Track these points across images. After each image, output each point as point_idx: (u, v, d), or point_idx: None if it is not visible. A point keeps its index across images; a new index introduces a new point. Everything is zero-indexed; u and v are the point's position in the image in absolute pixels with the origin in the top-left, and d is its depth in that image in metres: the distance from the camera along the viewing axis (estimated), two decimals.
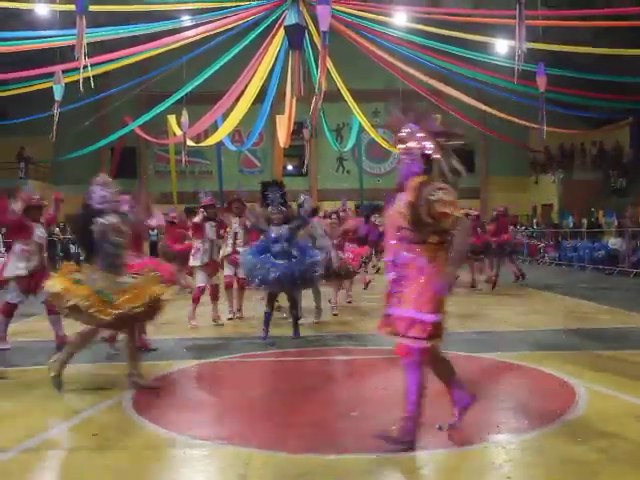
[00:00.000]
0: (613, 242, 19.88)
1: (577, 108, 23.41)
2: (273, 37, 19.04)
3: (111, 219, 6.08)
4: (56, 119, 14.00)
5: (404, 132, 4.67)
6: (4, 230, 13.90)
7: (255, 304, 11.82)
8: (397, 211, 4.57)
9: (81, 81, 11.35)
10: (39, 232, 8.51)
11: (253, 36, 19.53)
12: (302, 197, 9.82)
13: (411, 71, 21.05)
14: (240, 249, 10.27)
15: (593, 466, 4.09)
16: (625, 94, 21.06)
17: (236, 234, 10.47)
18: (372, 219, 14.01)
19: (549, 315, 10.88)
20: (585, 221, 25.12)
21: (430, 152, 4.70)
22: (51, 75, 15.31)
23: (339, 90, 21.92)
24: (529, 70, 15.16)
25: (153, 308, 6.03)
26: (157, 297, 6.00)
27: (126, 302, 5.79)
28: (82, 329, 6.12)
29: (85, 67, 11.27)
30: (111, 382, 6.51)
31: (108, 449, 4.58)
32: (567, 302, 12.67)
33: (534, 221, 31.53)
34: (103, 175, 6.42)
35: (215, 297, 10.31)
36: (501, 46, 20.53)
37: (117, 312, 5.74)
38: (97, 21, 16.90)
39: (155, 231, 30.04)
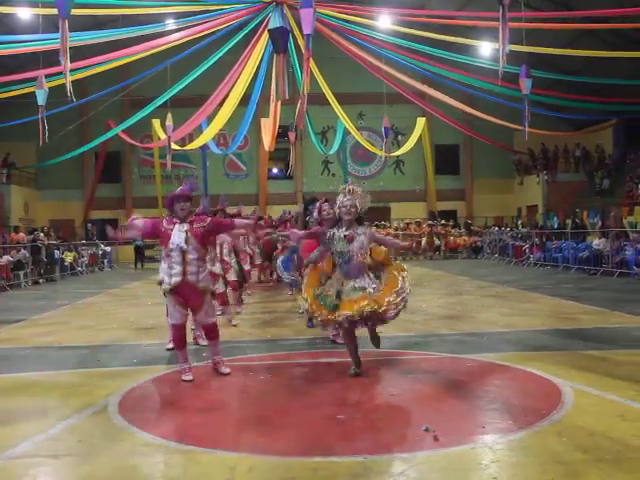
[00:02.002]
0: (597, 242, 19.99)
1: (560, 110, 23.59)
2: (257, 40, 19.04)
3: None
4: (41, 124, 13.92)
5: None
6: None
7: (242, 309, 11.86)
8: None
9: (68, 85, 11.29)
10: None
11: (237, 39, 19.53)
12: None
13: (396, 74, 21.11)
14: (226, 258, 10.34)
15: (579, 466, 4.10)
16: (608, 96, 21.24)
17: (222, 244, 10.39)
18: None
19: (534, 316, 10.91)
20: (569, 222, 25.24)
21: None
22: (34, 80, 15.24)
23: (324, 93, 21.96)
24: (513, 72, 15.26)
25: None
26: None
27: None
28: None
29: (71, 71, 11.23)
30: (96, 387, 6.46)
31: (93, 456, 4.54)
32: (552, 302, 12.72)
33: (519, 222, 31.69)
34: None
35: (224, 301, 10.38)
36: (485, 48, 20.65)
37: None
38: (82, 25, 16.81)
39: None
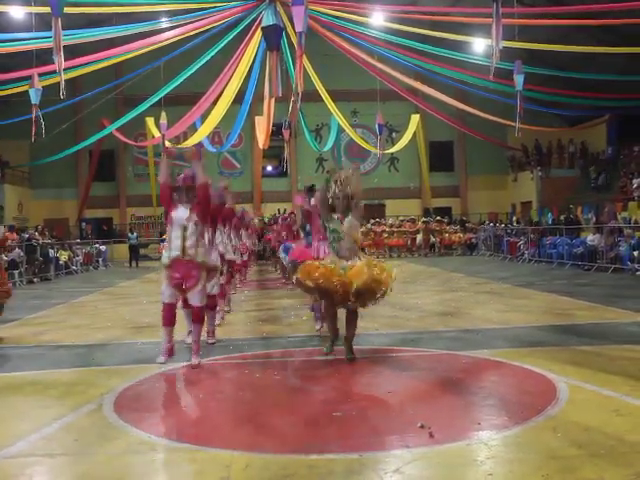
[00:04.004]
0: (591, 238, 20.04)
1: (554, 106, 23.62)
2: (251, 38, 19.02)
3: None
4: (35, 123, 13.88)
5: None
6: None
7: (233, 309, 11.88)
8: None
9: (62, 84, 11.26)
10: None
11: (231, 37, 19.51)
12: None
13: (389, 70, 21.11)
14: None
15: (574, 461, 4.12)
16: (601, 92, 21.27)
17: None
18: None
19: (529, 312, 10.94)
20: (563, 218, 25.31)
21: None
22: (27, 79, 15.19)
23: (317, 90, 21.95)
24: (507, 68, 15.27)
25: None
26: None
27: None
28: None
29: (65, 70, 11.20)
30: (91, 386, 6.46)
31: (89, 454, 4.54)
32: (547, 299, 12.74)
33: (513, 219, 31.75)
34: None
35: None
36: (478, 45, 20.66)
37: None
38: (76, 23, 16.77)
39: (135, 234, 30.03)
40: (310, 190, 9.73)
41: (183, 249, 6.97)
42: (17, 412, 5.71)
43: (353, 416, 5.21)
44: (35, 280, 21.15)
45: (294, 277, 7.39)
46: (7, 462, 4.44)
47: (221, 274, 9.27)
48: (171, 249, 7.07)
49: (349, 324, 7.25)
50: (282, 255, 11.94)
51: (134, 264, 28.93)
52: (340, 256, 6.98)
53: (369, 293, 6.84)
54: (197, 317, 7.30)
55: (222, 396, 6.17)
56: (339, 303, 7.02)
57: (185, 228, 6.99)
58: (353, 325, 7.27)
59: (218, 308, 9.73)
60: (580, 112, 25.99)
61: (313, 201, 9.04)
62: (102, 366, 7.52)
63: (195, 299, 7.17)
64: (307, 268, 7.05)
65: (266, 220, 28.80)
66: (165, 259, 7.17)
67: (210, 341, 8.60)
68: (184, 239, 6.97)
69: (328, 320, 7.35)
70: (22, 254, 20.81)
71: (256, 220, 24.18)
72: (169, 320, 7.14)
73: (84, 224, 34.19)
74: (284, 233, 15.43)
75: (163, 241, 31.06)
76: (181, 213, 7.07)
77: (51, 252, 23.08)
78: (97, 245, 29.61)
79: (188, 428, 5.23)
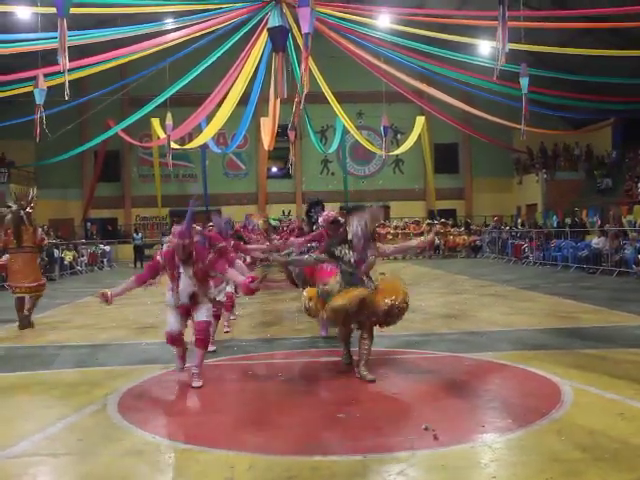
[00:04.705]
0: (596, 241, 20.00)
1: (560, 109, 23.58)
2: (256, 39, 19.03)
3: None
4: (38, 123, 13.89)
5: None
6: None
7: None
8: None
9: (66, 84, 11.27)
10: None
11: (236, 38, 19.51)
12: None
13: (395, 72, 21.10)
14: None
15: (578, 464, 4.11)
16: (607, 95, 21.23)
17: None
18: None
19: (534, 315, 10.92)
20: (569, 220, 25.26)
21: None
22: (33, 79, 15.22)
23: (323, 92, 21.94)
24: (512, 71, 15.25)
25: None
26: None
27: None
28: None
29: (69, 70, 11.21)
30: (95, 386, 6.47)
31: (92, 454, 4.55)
32: (551, 301, 12.72)
33: (518, 221, 31.69)
34: None
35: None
36: (484, 47, 20.63)
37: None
38: (81, 24, 16.79)
39: (140, 234, 30.07)
40: (316, 204, 9.52)
41: (195, 302, 6.53)
42: (21, 412, 5.72)
43: (357, 418, 5.21)
44: None
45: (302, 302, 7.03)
46: (11, 462, 4.46)
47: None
48: (180, 297, 6.47)
49: (361, 345, 6.67)
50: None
51: (139, 264, 28.95)
52: (350, 285, 6.54)
53: (397, 312, 6.59)
54: (202, 337, 6.52)
55: (226, 397, 6.18)
56: (351, 321, 6.68)
57: (194, 293, 6.48)
58: (366, 347, 6.66)
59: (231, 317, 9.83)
60: (586, 115, 25.94)
61: (320, 220, 8.60)
62: (106, 366, 7.53)
63: (201, 314, 6.56)
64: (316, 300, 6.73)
65: (271, 221, 28.78)
66: (171, 301, 6.57)
67: (210, 348, 7.86)
68: (194, 297, 6.50)
69: (340, 341, 7.11)
70: None
71: (261, 221, 24.19)
72: (176, 343, 6.68)
73: (89, 224, 34.21)
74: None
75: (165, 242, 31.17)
76: (186, 284, 6.44)
77: (56, 252, 23.11)
78: (102, 245, 29.65)
79: (192, 429, 5.23)
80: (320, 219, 8.66)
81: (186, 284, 6.44)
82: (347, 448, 4.52)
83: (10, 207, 11.01)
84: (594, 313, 10.97)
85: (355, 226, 6.60)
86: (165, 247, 6.73)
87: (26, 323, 10.62)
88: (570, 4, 20.58)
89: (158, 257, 6.61)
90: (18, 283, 10.68)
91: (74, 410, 5.65)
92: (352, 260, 6.57)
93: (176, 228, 6.50)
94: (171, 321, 6.60)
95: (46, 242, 11.87)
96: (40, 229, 11.36)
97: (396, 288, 6.66)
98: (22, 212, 10.76)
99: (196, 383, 6.43)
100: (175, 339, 6.61)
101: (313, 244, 8.84)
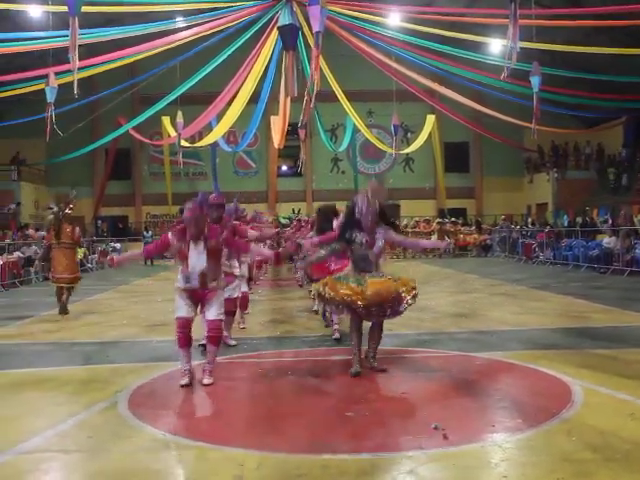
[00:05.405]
0: (607, 241, 19.92)
1: (571, 107, 23.46)
2: (267, 38, 19.03)
3: None
4: (49, 121, 13.94)
5: None
6: None
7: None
8: None
9: (75, 83, 11.30)
10: None
11: (247, 37, 19.53)
12: None
13: (405, 71, 21.06)
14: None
15: (588, 465, 4.09)
16: (619, 93, 21.11)
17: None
18: None
19: (544, 314, 10.89)
20: (580, 220, 25.17)
21: None
22: (44, 77, 15.27)
23: (333, 90, 21.93)
24: (525, 69, 15.18)
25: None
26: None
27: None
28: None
29: (80, 69, 11.25)
30: (106, 383, 6.49)
31: (103, 451, 4.56)
32: (562, 301, 12.68)
33: (529, 220, 31.60)
34: None
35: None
36: (495, 45, 20.56)
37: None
38: (92, 22, 16.85)
39: (150, 232, 30.15)
40: (327, 213, 9.34)
41: (203, 284, 6.42)
42: (32, 408, 5.74)
43: (367, 417, 5.21)
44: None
45: (315, 291, 7.00)
46: (22, 458, 4.47)
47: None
48: (190, 279, 6.40)
49: (372, 337, 6.91)
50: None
51: (149, 262, 29.05)
52: (364, 273, 6.62)
53: (391, 303, 6.52)
54: (214, 335, 6.50)
55: (236, 395, 6.18)
56: (364, 316, 6.70)
57: (203, 269, 6.38)
58: (376, 338, 6.93)
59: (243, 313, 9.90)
60: (597, 114, 25.81)
61: (335, 223, 8.64)
62: (116, 364, 7.56)
63: (212, 312, 6.47)
64: (332, 284, 6.68)
65: (280, 220, 28.80)
66: (181, 285, 6.49)
67: (232, 343, 8.46)
68: (203, 276, 6.38)
69: (353, 334, 6.96)
70: (38, 251, 20.96)
71: (270, 219, 24.23)
72: (184, 340, 6.44)
73: (100, 222, 34.37)
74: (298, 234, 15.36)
75: None
76: (195, 259, 6.37)
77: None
78: (112, 243, 29.76)
79: (202, 426, 5.24)
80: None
81: (196, 261, 6.37)
82: (356, 447, 4.51)
83: (52, 208, 12.31)
84: (605, 313, 10.93)
85: (360, 203, 6.69)
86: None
87: (64, 310, 11.89)
88: (582, 2, 20.49)
89: (169, 234, 6.60)
90: (58, 275, 11.95)
91: (85, 407, 5.67)
92: (363, 240, 6.62)
93: (189, 204, 6.43)
94: (180, 305, 6.46)
95: (81, 240, 13.53)
96: (77, 228, 12.51)
97: (405, 279, 6.71)
98: (61, 213, 12.05)
99: (207, 380, 6.40)
100: (185, 325, 6.41)
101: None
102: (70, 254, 12.12)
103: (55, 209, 12.16)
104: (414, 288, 6.60)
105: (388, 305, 6.48)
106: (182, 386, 6.30)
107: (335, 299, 6.54)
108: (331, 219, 9.00)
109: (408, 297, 6.51)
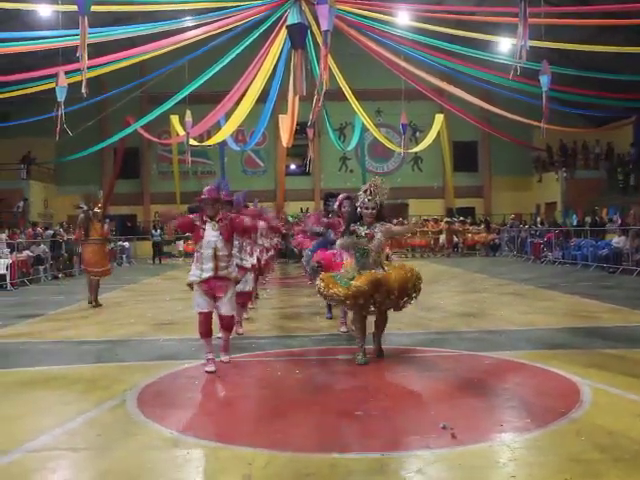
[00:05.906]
0: (616, 240, 19.83)
1: (580, 106, 23.35)
2: (275, 36, 19.03)
3: None
4: (59, 121, 13.98)
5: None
6: None
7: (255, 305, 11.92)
8: None
9: (84, 82, 11.33)
10: None
11: (255, 36, 19.53)
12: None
13: (414, 70, 21.01)
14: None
15: (597, 465, 4.08)
16: (628, 93, 21.00)
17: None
18: None
19: (553, 314, 10.85)
20: (589, 219, 25.06)
21: None
22: (53, 76, 15.31)
23: (342, 89, 21.91)
24: (533, 68, 15.13)
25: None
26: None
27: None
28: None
29: (90, 68, 11.28)
30: (115, 382, 6.51)
31: (111, 449, 4.57)
32: (571, 301, 12.64)
33: (537, 220, 31.50)
34: None
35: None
36: (505, 44, 20.49)
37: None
38: (101, 21, 16.89)
39: (159, 231, 30.22)
40: (332, 196, 9.78)
41: (216, 270, 6.88)
42: (41, 407, 5.77)
43: (375, 416, 5.20)
44: (60, 276, 21.38)
45: (318, 286, 7.23)
46: (31, 456, 4.49)
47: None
48: (203, 270, 6.87)
49: (378, 326, 7.30)
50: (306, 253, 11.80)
51: (157, 261, 29.11)
52: (364, 269, 6.95)
53: (404, 292, 6.93)
54: (227, 325, 7.22)
55: (244, 393, 6.19)
56: (372, 305, 6.98)
57: (217, 249, 6.88)
58: (382, 327, 7.33)
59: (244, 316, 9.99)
60: (607, 113, 25.68)
61: (335, 204, 9.23)
62: (125, 362, 7.58)
63: (225, 308, 7.05)
64: (327, 280, 7.10)
65: (289, 219, 28.81)
66: (195, 278, 6.94)
67: (240, 331, 9.04)
68: (216, 259, 6.87)
69: (357, 327, 7.19)
70: (47, 250, 21.06)
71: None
72: (206, 332, 6.96)
73: (108, 221, 34.44)
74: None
75: (179, 239, 31.28)
76: (210, 235, 6.89)
77: (75, 248, 23.25)
78: (121, 242, 29.83)
79: (210, 425, 5.25)
80: (335, 205, 9.26)
81: (210, 236, 6.89)
82: (365, 446, 4.52)
83: (82, 207, 13.45)
84: (614, 313, 10.88)
85: (361, 196, 7.17)
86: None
87: (95, 301, 13.04)
88: (591, 0, 20.39)
89: (191, 215, 7.27)
90: (89, 268, 13.12)
91: (93, 405, 5.69)
92: (365, 233, 7.00)
93: (207, 187, 7.20)
94: (200, 302, 6.98)
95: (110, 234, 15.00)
96: (106, 224, 14.23)
97: (408, 268, 7.12)
98: (91, 212, 13.23)
99: (225, 357, 7.18)
100: (207, 318, 6.97)
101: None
102: (99, 249, 13.22)
103: (85, 208, 13.30)
104: (419, 280, 7.03)
105: (391, 294, 6.82)
106: (208, 372, 6.75)
107: (328, 296, 7.07)
108: (333, 202, 9.51)
109: (413, 294, 7.01)
